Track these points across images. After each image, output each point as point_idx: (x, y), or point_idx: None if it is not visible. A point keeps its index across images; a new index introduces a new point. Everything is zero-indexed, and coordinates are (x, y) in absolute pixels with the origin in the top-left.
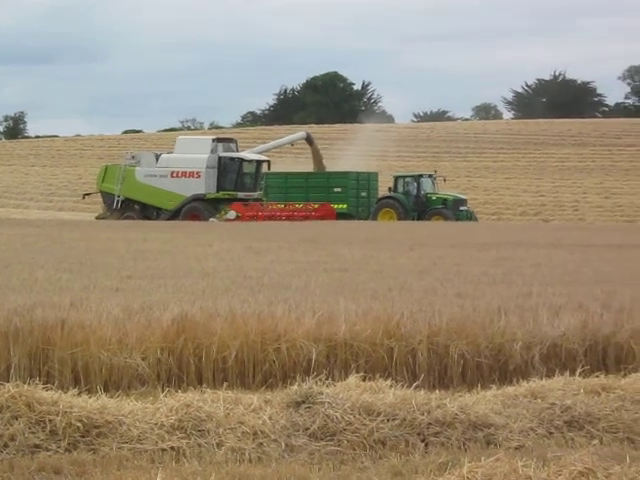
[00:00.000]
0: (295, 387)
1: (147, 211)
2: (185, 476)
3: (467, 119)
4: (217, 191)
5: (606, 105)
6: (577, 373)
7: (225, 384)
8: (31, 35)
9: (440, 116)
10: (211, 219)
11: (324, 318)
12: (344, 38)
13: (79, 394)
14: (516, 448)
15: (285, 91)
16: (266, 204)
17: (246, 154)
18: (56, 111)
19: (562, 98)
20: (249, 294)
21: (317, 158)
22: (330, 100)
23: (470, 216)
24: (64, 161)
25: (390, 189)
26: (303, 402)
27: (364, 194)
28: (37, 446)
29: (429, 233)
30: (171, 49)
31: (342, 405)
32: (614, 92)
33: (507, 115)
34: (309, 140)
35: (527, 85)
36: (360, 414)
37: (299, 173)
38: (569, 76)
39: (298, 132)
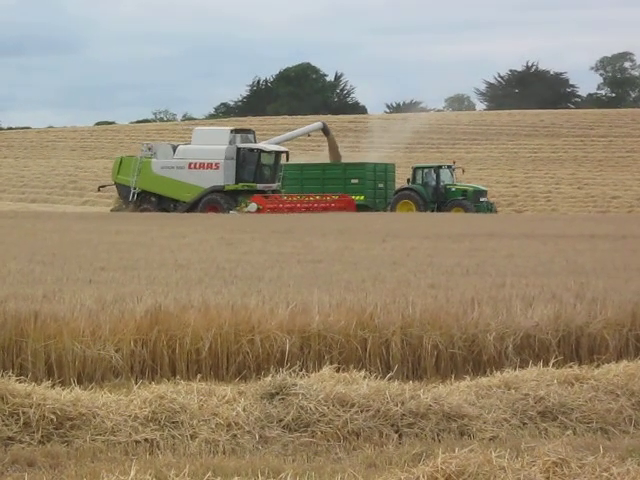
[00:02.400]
0: (269, 378)
1: (164, 203)
2: (159, 468)
3: (440, 110)
4: (236, 182)
5: (579, 96)
6: (550, 364)
7: (199, 376)
8: (2, 26)
9: (413, 107)
10: (231, 211)
11: (298, 309)
12: (317, 29)
13: (52, 386)
14: (490, 439)
15: (258, 82)
16: (286, 196)
17: (265, 145)
18: (28, 103)
19: (535, 89)
20: (222, 285)
21: (333, 149)
22: (303, 91)
23: (490, 207)
24: (37, 153)
25: (409, 180)
26: (277, 393)
27: (381, 185)
28: (10, 438)
29: (402, 224)
30: (143, 40)
31: (316, 396)
32: (587, 83)
33: (480, 106)
34: (325, 131)
35: (500, 76)
36: (334, 405)
37: (315, 164)
38: (542, 67)
39: (314, 123)
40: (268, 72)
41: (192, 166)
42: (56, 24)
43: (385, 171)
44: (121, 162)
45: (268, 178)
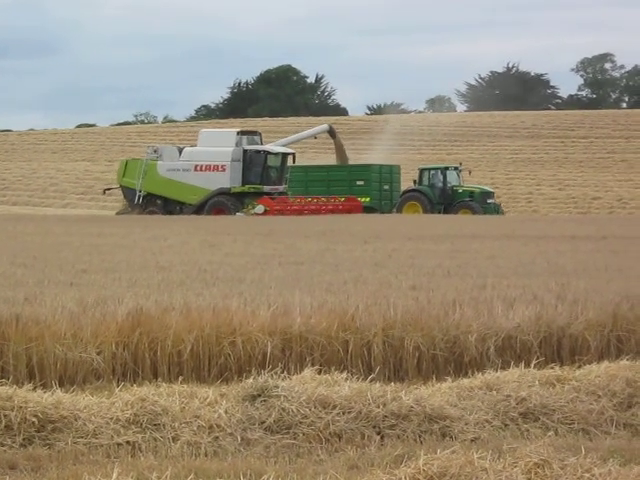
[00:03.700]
0: (250, 381)
1: (170, 206)
2: (141, 470)
3: (421, 112)
4: (242, 185)
5: (559, 97)
6: (532, 365)
7: (180, 378)
8: None
9: (394, 109)
10: (237, 213)
11: (279, 311)
12: (298, 32)
13: (34, 389)
14: (472, 440)
15: (239, 84)
16: (293, 198)
17: (272, 147)
18: (9, 105)
19: (515, 90)
20: (204, 287)
21: (340, 151)
22: (284, 93)
23: (497, 209)
24: (17, 155)
25: (415, 182)
26: (259, 395)
27: (387, 187)
28: None
29: (384, 226)
30: (124, 43)
31: (298, 398)
32: (567, 84)
33: (461, 108)
34: (332, 133)
35: (480, 77)
36: (316, 407)
37: (320, 166)
38: (522, 68)
39: (321, 125)
40: (250, 74)
41: (198, 168)
42: (37, 27)
43: (390, 172)
44: (126, 165)
45: (275, 180)
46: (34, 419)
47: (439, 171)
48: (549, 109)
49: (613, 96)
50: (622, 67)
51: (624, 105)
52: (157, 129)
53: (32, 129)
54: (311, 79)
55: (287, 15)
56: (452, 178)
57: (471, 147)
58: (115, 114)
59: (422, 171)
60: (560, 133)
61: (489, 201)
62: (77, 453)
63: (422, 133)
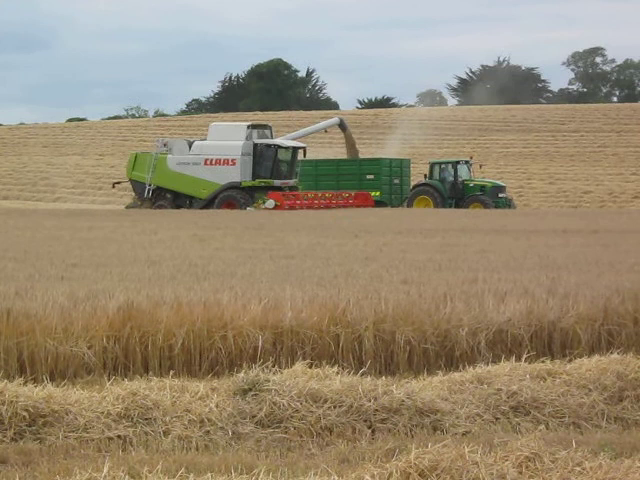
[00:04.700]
0: (242, 375)
1: (179, 200)
2: (132, 464)
3: (411, 105)
4: (252, 179)
5: (550, 91)
6: (523, 359)
7: (171, 372)
8: None
9: (385, 103)
10: (248, 208)
11: (270, 305)
12: (289, 25)
13: (25, 383)
14: (463, 434)
15: (230, 78)
16: (303, 192)
17: (282, 140)
18: None
19: (506, 84)
20: (195, 282)
21: (350, 144)
22: (274, 87)
23: (509, 204)
24: (8, 149)
25: (425, 176)
26: (250, 390)
27: (397, 181)
28: None
29: (374, 220)
30: (115, 37)
31: (289, 392)
32: (558, 78)
33: (452, 101)
34: (342, 126)
35: (471, 71)
36: (307, 401)
37: (330, 160)
38: (513, 62)
39: (332, 118)
40: (240, 68)
41: (208, 162)
42: (27, 21)
43: (400, 166)
44: (136, 158)
45: (285, 174)
46: (25, 413)
47: (450, 165)
48: (540, 103)
49: (604, 90)
50: (613, 61)
51: (615, 99)
52: (148, 123)
53: (22, 123)
54: (302, 73)
55: (274, 9)
56: (463, 172)
57: (462, 141)
58: (103, 108)
59: (433, 165)
60: (551, 127)
61: (500, 195)
62: (68, 447)
63: (412, 127)
